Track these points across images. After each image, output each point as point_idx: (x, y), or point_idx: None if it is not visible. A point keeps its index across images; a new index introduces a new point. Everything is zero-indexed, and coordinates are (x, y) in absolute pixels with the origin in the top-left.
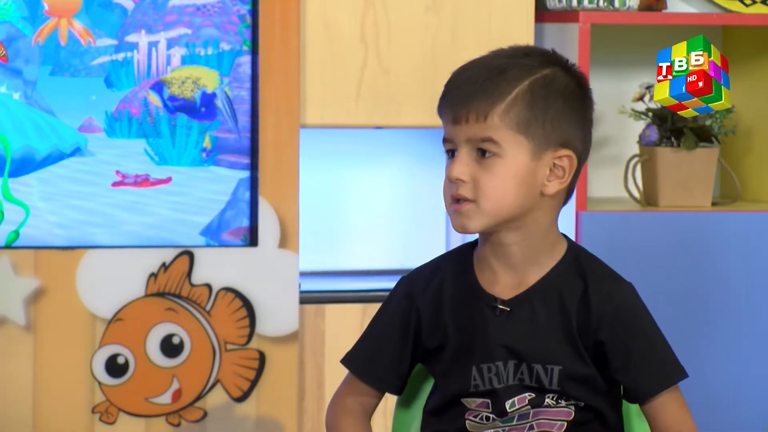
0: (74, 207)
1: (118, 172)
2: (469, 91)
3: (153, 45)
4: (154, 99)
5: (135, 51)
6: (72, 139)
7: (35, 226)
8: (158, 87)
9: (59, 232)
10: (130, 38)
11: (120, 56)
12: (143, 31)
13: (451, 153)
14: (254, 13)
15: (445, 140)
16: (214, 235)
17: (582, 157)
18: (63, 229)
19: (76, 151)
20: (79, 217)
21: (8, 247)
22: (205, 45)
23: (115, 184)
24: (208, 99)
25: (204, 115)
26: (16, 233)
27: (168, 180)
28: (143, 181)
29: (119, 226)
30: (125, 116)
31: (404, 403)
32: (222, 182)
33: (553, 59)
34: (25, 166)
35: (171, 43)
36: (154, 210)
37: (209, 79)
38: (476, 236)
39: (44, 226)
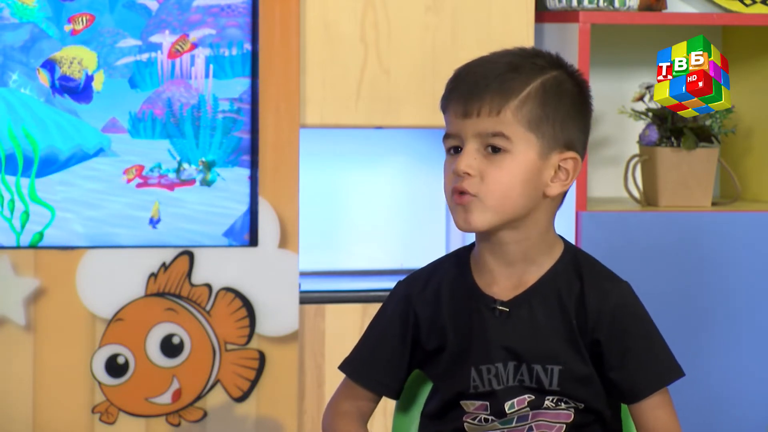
0: (97, 207)
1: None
2: (483, 85)
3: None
4: (44, 78)
5: (159, 52)
6: (95, 139)
7: (57, 226)
8: (50, 66)
9: (81, 232)
10: (154, 39)
11: (144, 57)
12: (167, 32)
13: (454, 150)
14: (254, 13)
15: (448, 136)
16: (237, 236)
17: (582, 161)
18: (85, 229)
19: (100, 152)
20: (101, 217)
21: (15, 247)
22: (230, 45)
23: (138, 185)
24: (89, 81)
25: (82, 97)
26: (41, 234)
27: (192, 182)
28: (167, 182)
29: (142, 227)
30: (149, 117)
31: (403, 407)
32: (245, 183)
33: (559, 63)
34: (48, 166)
35: (195, 44)
36: (177, 211)
37: (90, 61)
38: (473, 238)
39: (66, 226)
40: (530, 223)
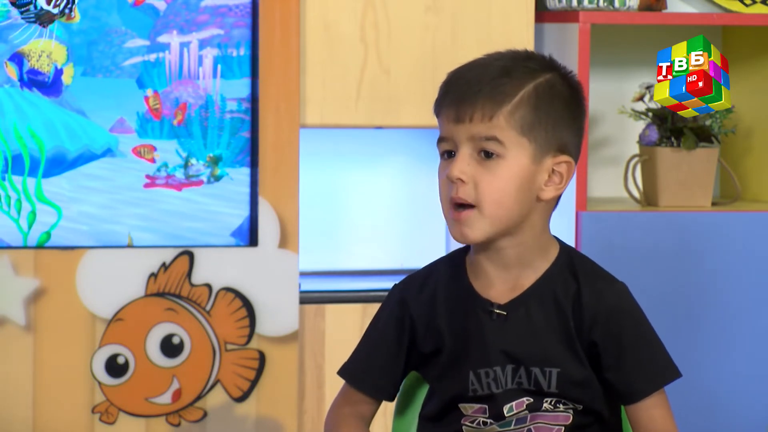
0: (104, 207)
1: (148, 174)
2: (475, 90)
3: (185, 46)
4: (12, 71)
5: (167, 52)
6: (103, 139)
7: (64, 226)
8: (18, 59)
9: (87, 231)
10: (162, 39)
11: (152, 57)
12: (175, 32)
13: (447, 154)
14: (254, 13)
15: (441, 140)
16: (245, 236)
17: (575, 164)
18: (91, 228)
19: (107, 152)
20: (108, 217)
21: (21, 247)
22: (237, 46)
23: (146, 185)
24: (58, 74)
25: (51, 91)
26: (48, 234)
27: (199, 182)
28: (174, 182)
29: (149, 227)
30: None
31: (401, 410)
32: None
33: (552, 65)
34: (56, 166)
35: (203, 44)
36: (185, 211)
37: (59, 55)
38: None
39: (73, 226)
40: (526, 227)
